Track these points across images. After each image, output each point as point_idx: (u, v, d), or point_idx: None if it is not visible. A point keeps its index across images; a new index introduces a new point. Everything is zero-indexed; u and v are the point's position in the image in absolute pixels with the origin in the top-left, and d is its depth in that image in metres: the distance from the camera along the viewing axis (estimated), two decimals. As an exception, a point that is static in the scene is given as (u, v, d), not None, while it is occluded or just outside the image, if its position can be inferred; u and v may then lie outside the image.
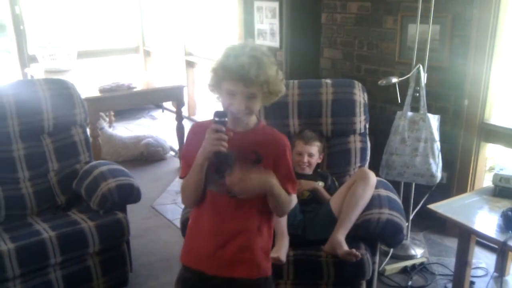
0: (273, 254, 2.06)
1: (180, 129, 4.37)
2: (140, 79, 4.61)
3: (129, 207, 2.72)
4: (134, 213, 2.95)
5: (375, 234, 2.19)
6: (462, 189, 3.07)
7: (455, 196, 2.68)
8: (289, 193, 1.60)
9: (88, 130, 3.04)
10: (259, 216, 1.61)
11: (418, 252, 2.98)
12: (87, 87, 4.05)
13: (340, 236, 2.16)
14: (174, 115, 4.46)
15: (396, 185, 2.73)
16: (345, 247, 2.11)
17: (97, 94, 3.94)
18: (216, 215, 1.59)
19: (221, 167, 1.51)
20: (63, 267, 2.40)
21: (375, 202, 2.29)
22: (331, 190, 2.52)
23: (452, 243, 3.06)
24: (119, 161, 4.53)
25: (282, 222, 2.22)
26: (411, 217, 3.05)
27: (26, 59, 5.50)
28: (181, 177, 1.64)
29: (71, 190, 2.76)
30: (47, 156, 2.76)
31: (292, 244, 2.21)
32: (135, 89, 4.11)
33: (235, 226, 1.58)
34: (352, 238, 2.20)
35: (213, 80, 1.57)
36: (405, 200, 2.96)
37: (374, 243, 2.26)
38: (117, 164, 2.87)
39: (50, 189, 2.74)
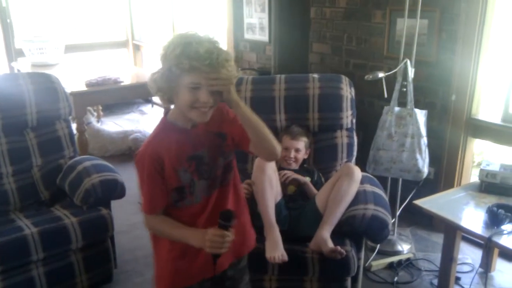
0: (271, 254, 2.05)
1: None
2: (129, 73, 4.58)
3: (116, 202, 2.69)
4: (120, 209, 2.92)
5: (360, 230, 2.18)
6: (449, 185, 3.07)
7: (442, 191, 2.68)
8: None
9: (74, 125, 3.00)
10: (234, 189, 1.59)
11: (404, 248, 2.98)
12: (74, 81, 4.02)
13: (325, 233, 2.14)
14: (163, 110, 4.42)
15: (383, 180, 2.72)
16: (330, 244, 2.09)
17: (83, 88, 3.90)
18: (201, 216, 1.54)
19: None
20: (45, 263, 2.36)
21: (360, 197, 2.28)
22: (317, 185, 2.50)
23: (439, 239, 3.06)
24: (106, 156, 4.50)
25: (270, 212, 2.21)
26: (398, 212, 3.04)
27: (13, 53, 5.44)
28: (150, 213, 1.52)
29: (55, 186, 2.72)
30: (31, 151, 2.71)
31: (278, 240, 2.19)
32: (122, 83, 4.07)
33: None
34: (338, 234, 2.19)
35: (167, 80, 1.35)
36: (392, 196, 2.96)
37: (359, 239, 2.25)
38: (102, 159, 2.83)
39: (34, 185, 2.70)
